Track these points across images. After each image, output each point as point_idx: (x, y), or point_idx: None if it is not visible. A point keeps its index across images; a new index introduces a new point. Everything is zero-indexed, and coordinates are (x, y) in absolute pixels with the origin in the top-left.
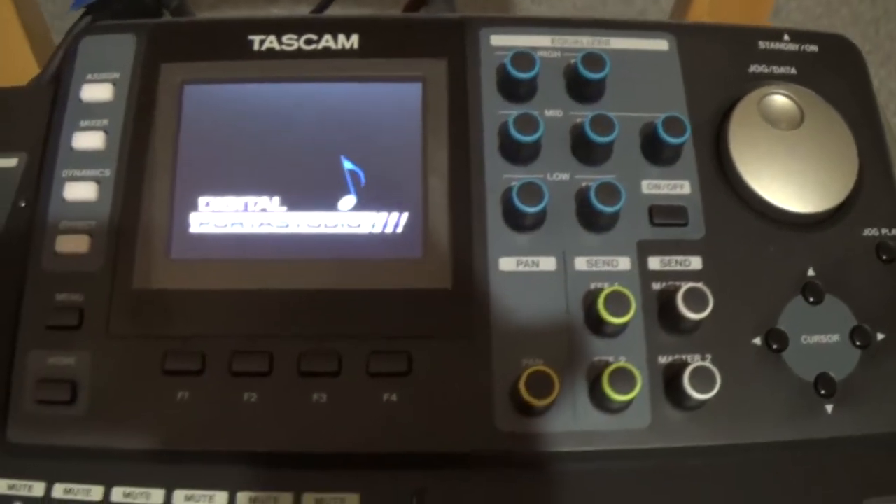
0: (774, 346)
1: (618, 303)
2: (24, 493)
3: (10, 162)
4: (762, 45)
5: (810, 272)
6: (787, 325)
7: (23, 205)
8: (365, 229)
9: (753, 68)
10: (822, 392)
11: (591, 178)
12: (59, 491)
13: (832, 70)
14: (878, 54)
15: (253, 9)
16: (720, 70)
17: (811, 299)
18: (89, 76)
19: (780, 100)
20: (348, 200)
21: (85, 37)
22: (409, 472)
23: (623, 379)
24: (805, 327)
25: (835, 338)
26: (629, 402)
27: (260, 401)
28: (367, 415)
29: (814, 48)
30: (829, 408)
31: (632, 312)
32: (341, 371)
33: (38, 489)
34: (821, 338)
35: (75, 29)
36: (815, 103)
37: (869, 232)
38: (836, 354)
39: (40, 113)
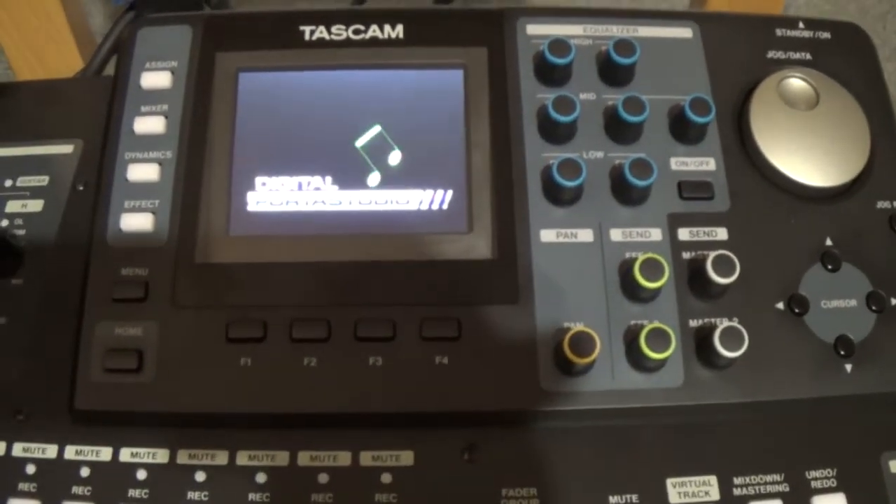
0: (796, 311)
1: (652, 269)
2: (91, 457)
3: (67, 148)
4: (779, 32)
5: (828, 242)
6: (808, 291)
7: (81, 188)
8: (413, 206)
9: (771, 54)
10: (842, 353)
11: (623, 156)
12: (125, 455)
13: (844, 55)
14: (885, 49)
15: (288, 2)
16: (741, 56)
17: (829, 267)
18: (148, 65)
19: (797, 83)
20: (397, 179)
21: (142, 28)
22: (460, 429)
23: (659, 338)
24: (824, 293)
25: (852, 302)
26: (664, 361)
27: (319, 365)
28: (419, 377)
29: (827, 35)
30: (849, 367)
31: (665, 278)
32: (395, 336)
33: (105, 454)
34: (839, 302)
35: (120, 23)
36: (830, 86)
37: (882, 204)
38: (853, 318)
39: (94, 101)
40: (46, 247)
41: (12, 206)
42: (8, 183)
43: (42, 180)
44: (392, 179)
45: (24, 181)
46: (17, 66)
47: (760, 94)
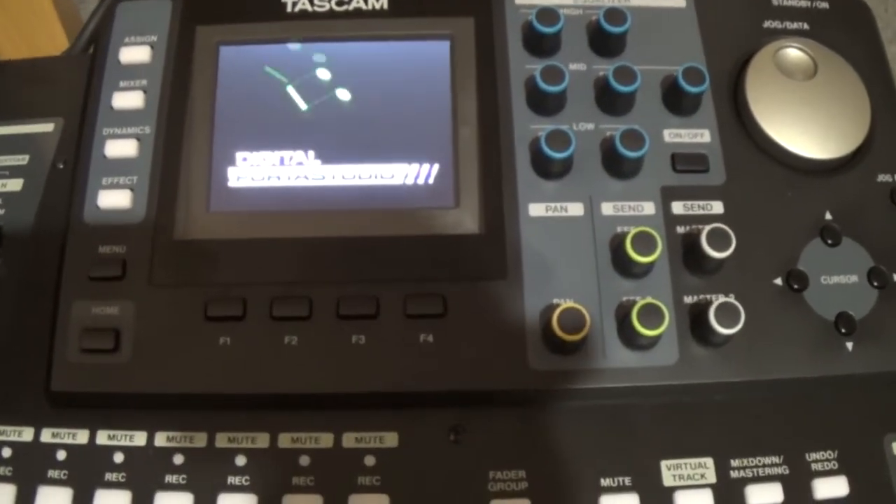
0: (795, 286)
1: (645, 242)
2: (67, 440)
3: (48, 127)
4: (775, 1)
5: (827, 216)
6: (807, 266)
7: (61, 166)
8: (398, 180)
9: (767, 24)
10: (843, 330)
11: (614, 127)
12: (102, 438)
13: (843, 26)
14: (887, 31)
15: None
16: (736, 25)
17: (829, 241)
18: (127, 39)
19: (794, 52)
20: (382, 153)
21: (121, 2)
22: (446, 410)
23: (652, 314)
24: (824, 268)
25: (853, 278)
26: (657, 338)
27: (300, 344)
28: (404, 355)
29: (825, 5)
30: (850, 345)
31: (658, 251)
32: (379, 313)
33: (81, 437)
34: (840, 278)
35: (106, 1)
36: (828, 56)
37: (883, 178)
38: (854, 294)
39: (75, 80)
40: (25, 226)
41: None
42: None
43: (21, 159)
44: (376, 153)
45: (3, 160)
46: (2, 46)
47: (756, 65)
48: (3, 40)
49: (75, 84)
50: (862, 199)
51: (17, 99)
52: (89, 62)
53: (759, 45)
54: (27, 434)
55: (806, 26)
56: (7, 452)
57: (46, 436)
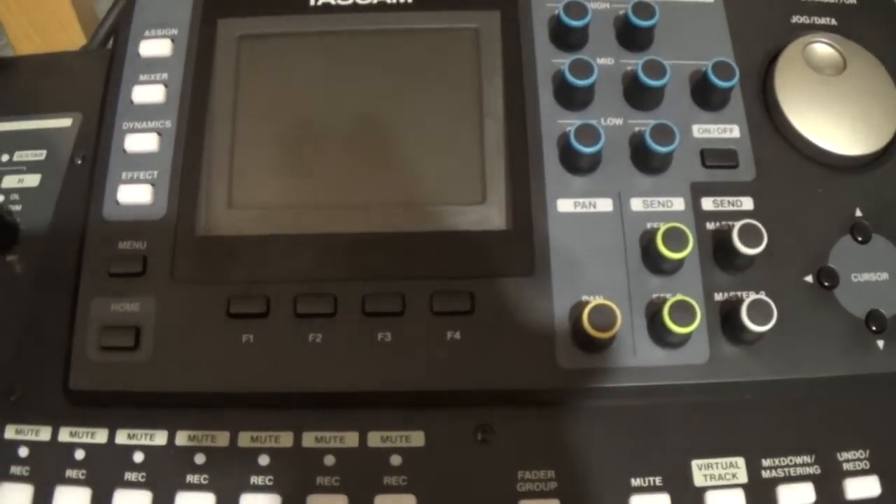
0: (826, 284)
1: (676, 238)
2: (86, 440)
3: (65, 122)
4: None
5: (857, 212)
6: (838, 264)
7: (79, 161)
8: (424, 175)
9: (795, 19)
10: (874, 328)
11: (643, 122)
12: (122, 437)
13: (870, 21)
14: None
15: None
16: (764, 20)
17: (859, 238)
18: (147, 33)
19: (823, 48)
20: (408, 148)
21: None
22: (473, 409)
23: (683, 311)
24: (855, 265)
25: (884, 276)
26: (688, 336)
27: (325, 341)
28: (431, 353)
29: (852, 0)
30: (881, 343)
31: (689, 248)
32: (405, 311)
33: (100, 436)
34: (870, 276)
35: None
36: (857, 51)
37: None
38: (885, 292)
39: (94, 75)
40: (43, 222)
41: (8, 182)
42: (4, 158)
43: (39, 154)
44: (402, 147)
45: (20, 156)
46: (17, 41)
47: (786, 60)
48: (19, 36)
49: (94, 79)
50: (892, 196)
51: (34, 94)
52: (108, 56)
53: (788, 41)
54: (45, 433)
55: (833, 21)
56: (24, 452)
57: (64, 435)
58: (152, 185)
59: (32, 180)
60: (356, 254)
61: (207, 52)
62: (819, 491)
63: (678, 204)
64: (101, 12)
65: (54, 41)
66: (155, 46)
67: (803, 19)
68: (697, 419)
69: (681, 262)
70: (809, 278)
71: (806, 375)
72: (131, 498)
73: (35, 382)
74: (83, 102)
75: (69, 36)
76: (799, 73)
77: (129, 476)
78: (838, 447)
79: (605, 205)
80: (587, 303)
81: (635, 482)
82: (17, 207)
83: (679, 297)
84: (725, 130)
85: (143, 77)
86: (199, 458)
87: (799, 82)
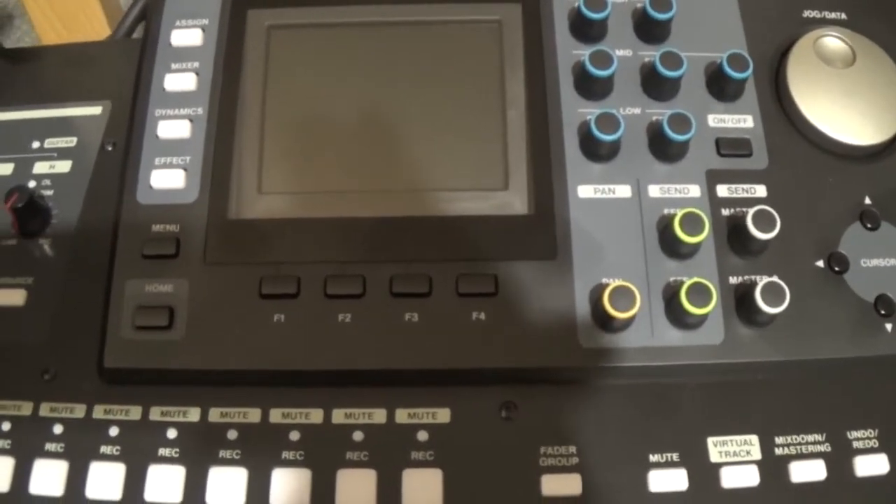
0: (836, 269)
1: (693, 223)
2: (120, 416)
3: (95, 110)
4: None
5: (867, 200)
6: (848, 249)
7: (110, 148)
8: (448, 162)
9: (807, 13)
10: (882, 312)
11: (660, 112)
12: (155, 414)
13: (879, 15)
14: None
15: None
16: (776, 14)
17: (869, 225)
18: (178, 23)
19: (833, 41)
20: (432, 135)
21: None
22: (497, 387)
23: (700, 293)
24: (864, 251)
25: (892, 262)
26: (704, 318)
27: (354, 321)
28: (456, 333)
29: None
30: (889, 326)
31: (706, 232)
32: (432, 292)
33: (134, 413)
34: (879, 261)
35: None
36: (866, 45)
37: None
38: (893, 277)
39: (123, 63)
40: (74, 207)
41: (40, 168)
42: (35, 144)
43: (70, 141)
44: (427, 135)
45: (51, 142)
46: (43, 33)
47: (797, 53)
48: (44, 27)
49: (123, 67)
50: None
51: (64, 83)
52: (139, 46)
53: (799, 34)
54: (79, 411)
55: (843, 16)
56: (58, 429)
57: (99, 412)
58: (185, 170)
59: (63, 166)
60: (383, 237)
61: (237, 41)
62: (830, 468)
63: (694, 191)
64: (126, 4)
65: (79, 32)
66: (186, 36)
67: (814, 13)
68: (713, 398)
69: (697, 246)
70: (820, 263)
71: (817, 357)
72: (165, 473)
73: (68, 362)
74: (113, 90)
75: (94, 27)
76: (810, 66)
77: (163, 452)
78: (848, 426)
79: (623, 191)
80: (607, 285)
81: (653, 458)
82: (49, 192)
83: (696, 279)
84: (740, 120)
85: (174, 66)
86: (232, 434)
87: (810, 74)
